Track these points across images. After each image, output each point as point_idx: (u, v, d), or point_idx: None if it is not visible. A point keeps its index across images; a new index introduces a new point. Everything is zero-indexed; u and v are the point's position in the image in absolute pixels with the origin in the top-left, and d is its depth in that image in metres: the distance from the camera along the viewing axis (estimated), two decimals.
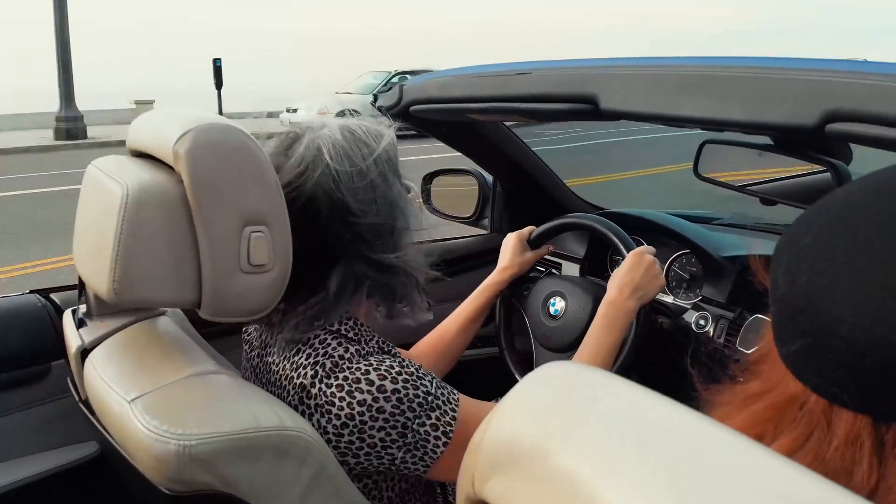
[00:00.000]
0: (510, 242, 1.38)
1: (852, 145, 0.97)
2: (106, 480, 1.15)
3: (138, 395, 0.77)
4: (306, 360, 0.86)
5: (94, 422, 0.87)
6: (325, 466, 0.80)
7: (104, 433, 0.84)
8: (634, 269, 1.16)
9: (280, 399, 0.85)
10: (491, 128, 1.52)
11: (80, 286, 1.00)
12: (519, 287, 1.44)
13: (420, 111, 1.30)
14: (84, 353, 0.90)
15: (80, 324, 0.98)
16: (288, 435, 0.77)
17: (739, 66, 0.84)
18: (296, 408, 0.83)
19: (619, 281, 1.16)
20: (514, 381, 1.14)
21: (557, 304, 1.36)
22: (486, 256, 1.78)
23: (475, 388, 1.01)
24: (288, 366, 0.87)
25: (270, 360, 0.91)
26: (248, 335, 1.02)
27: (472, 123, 1.48)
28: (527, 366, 1.42)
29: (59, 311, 1.16)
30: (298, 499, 0.79)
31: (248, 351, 1.00)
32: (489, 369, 1.53)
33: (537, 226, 1.42)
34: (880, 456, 0.40)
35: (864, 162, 0.87)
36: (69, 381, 1.01)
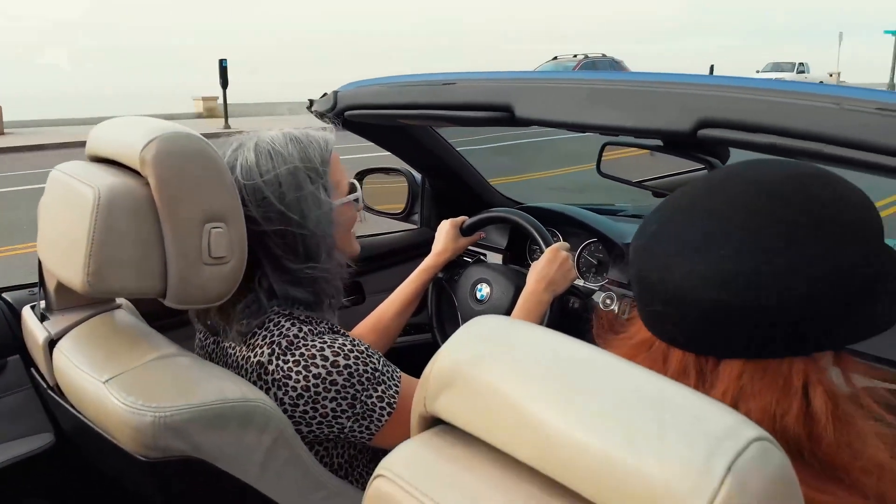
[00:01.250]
0: (444, 229, 1.50)
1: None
2: (62, 469, 1.21)
3: (111, 376, 0.86)
4: (262, 340, 0.96)
5: (65, 404, 0.94)
6: (283, 433, 0.91)
7: (76, 414, 0.92)
8: (551, 264, 1.32)
9: (237, 373, 0.95)
10: (419, 131, 1.65)
11: (41, 283, 1.06)
12: (450, 272, 1.58)
13: (354, 116, 1.42)
14: (51, 343, 0.98)
15: (41, 318, 1.05)
16: (250, 405, 0.88)
17: (630, 81, 1.00)
18: (254, 383, 0.94)
19: (537, 274, 1.31)
20: None
21: (484, 290, 1.51)
22: (417, 249, 1.91)
23: (410, 371, 1.13)
24: (245, 348, 0.98)
25: (226, 345, 1.01)
26: (200, 324, 1.11)
27: (402, 127, 1.60)
28: None
29: (11, 309, 1.21)
30: (260, 462, 0.90)
31: (203, 339, 1.09)
32: (422, 354, 1.66)
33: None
34: (702, 378, 0.54)
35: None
36: (34, 371, 1.07)
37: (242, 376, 0.96)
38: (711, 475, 0.33)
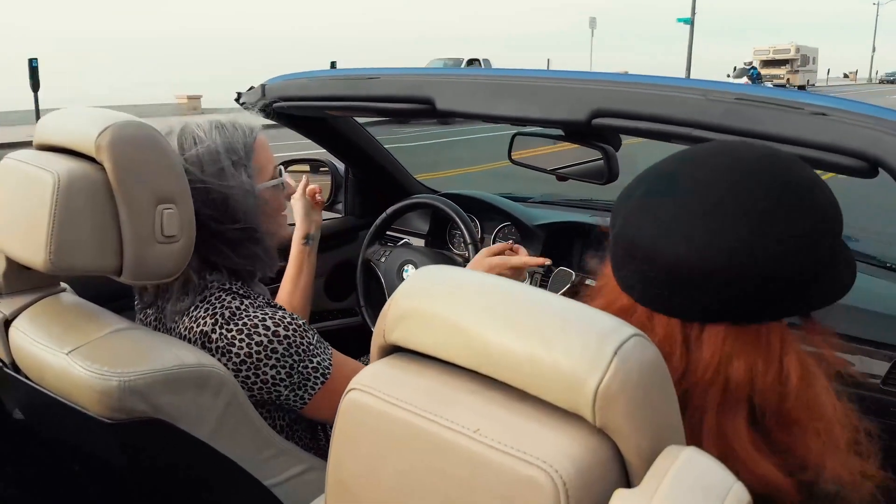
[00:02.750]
0: (296, 207, 1.48)
1: (622, 136, 1.32)
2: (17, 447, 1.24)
3: (73, 348, 0.93)
4: (205, 312, 1.04)
5: (25, 380, 0.99)
6: (235, 396, 1.00)
7: (37, 388, 0.98)
8: (475, 266, 1.42)
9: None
10: (343, 123, 1.75)
11: None
12: (377, 254, 1.70)
13: (282, 107, 1.50)
14: (6, 323, 1.02)
15: None
16: (206, 370, 0.96)
17: (536, 77, 1.15)
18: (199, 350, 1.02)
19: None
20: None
21: (410, 270, 1.63)
22: (341, 237, 2.01)
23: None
24: (187, 320, 1.06)
25: (168, 320, 1.09)
26: (141, 304, 1.17)
27: (327, 119, 1.70)
28: None
29: None
30: (215, 422, 0.98)
31: (143, 319, 1.16)
32: (351, 337, 1.76)
33: (386, 208, 1.68)
34: (687, 346, 0.57)
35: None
36: None
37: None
38: (602, 357, 0.47)
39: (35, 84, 12.08)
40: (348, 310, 2.01)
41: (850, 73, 67.94)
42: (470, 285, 0.58)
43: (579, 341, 0.48)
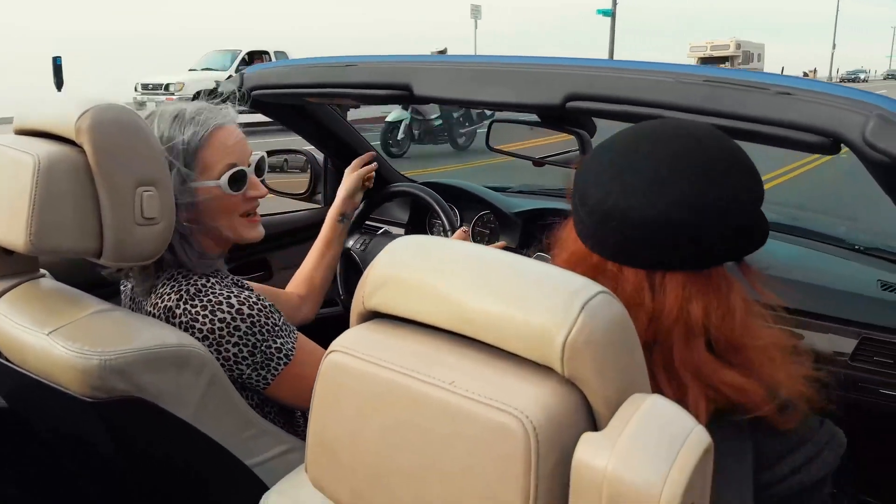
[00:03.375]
0: (347, 180, 1.57)
1: (596, 122, 1.35)
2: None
3: (54, 328, 0.94)
4: (170, 289, 1.05)
5: (6, 362, 1.00)
6: (216, 376, 1.01)
7: (18, 369, 0.98)
8: None
9: None
10: (322, 112, 1.76)
11: None
12: (358, 244, 1.71)
13: (261, 95, 1.51)
14: None
15: None
16: (186, 350, 0.97)
17: (510, 63, 1.17)
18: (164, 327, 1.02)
19: None
20: None
21: None
22: (321, 227, 2.02)
23: (320, 343, 1.21)
24: (154, 297, 1.07)
25: (141, 301, 1.10)
26: (124, 287, 1.18)
27: (305, 107, 1.71)
28: None
29: None
30: (197, 402, 0.99)
31: (124, 300, 1.17)
32: (332, 327, 1.77)
33: (368, 197, 1.69)
34: (653, 291, 0.67)
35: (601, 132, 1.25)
36: None
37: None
38: (571, 312, 0.49)
39: (59, 82, 12.15)
40: (329, 300, 2.02)
41: (810, 71, 63.01)
42: (446, 251, 0.60)
43: (550, 300, 0.51)
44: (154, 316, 1.05)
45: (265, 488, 0.73)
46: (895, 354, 1.23)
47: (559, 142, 1.31)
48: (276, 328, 1.06)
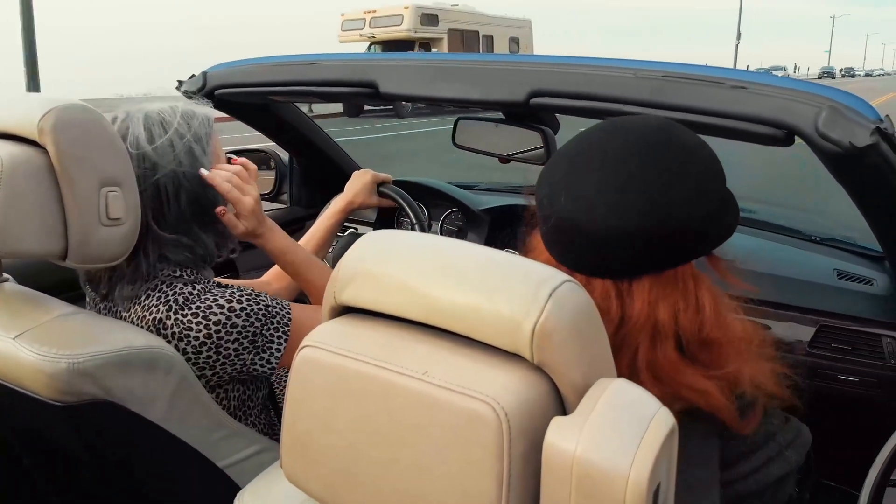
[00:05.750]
0: (364, 179, 1.61)
1: (560, 119, 1.37)
2: None
3: (20, 332, 0.92)
4: (157, 301, 1.05)
5: None
6: (185, 377, 1.01)
7: None
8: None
9: None
10: (286, 110, 1.75)
11: None
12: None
13: (225, 94, 1.50)
14: None
15: None
16: (155, 351, 0.97)
17: (475, 60, 1.19)
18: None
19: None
20: None
21: None
22: (288, 227, 2.00)
23: None
24: (139, 309, 1.05)
25: (119, 309, 1.08)
26: (90, 290, 1.17)
27: (269, 106, 1.70)
28: None
29: None
30: (166, 404, 0.99)
31: (92, 304, 1.15)
32: None
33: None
34: (621, 299, 0.66)
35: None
36: None
37: None
38: (538, 300, 0.50)
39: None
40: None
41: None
42: (415, 245, 0.61)
43: (518, 289, 0.52)
44: (141, 328, 1.04)
45: (237, 489, 0.73)
46: (852, 341, 1.28)
47: (524, 133, 1.33)
48: (269, 308, 1.08)
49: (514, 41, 21.30)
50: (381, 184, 1.65)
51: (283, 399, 1.37)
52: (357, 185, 1.62)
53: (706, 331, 0.66)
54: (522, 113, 1.24)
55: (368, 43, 18.79)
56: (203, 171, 1.09)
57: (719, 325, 0.67)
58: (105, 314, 1.11)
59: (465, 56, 1.23)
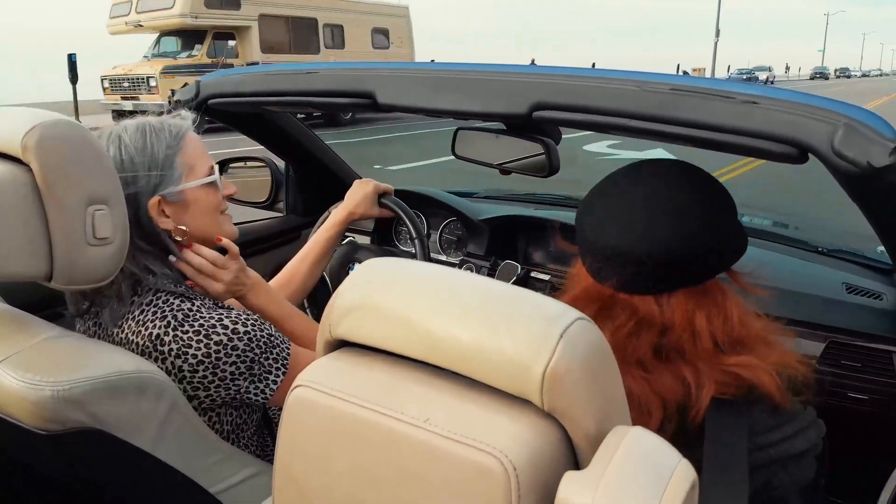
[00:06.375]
0: (366, 190, 1.58)
1: (562, 129, 1.33)
2: None
3: (3, 357, 0.88)
4: (153, 316, 1.01)
5: None
6: (176, 402, 0.97)
7: None
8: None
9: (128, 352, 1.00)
10: (281, 118, 1.72)
11: None
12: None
13: (218, 104, 1.46)
14: None
15: None
16: (146, 376, 0.93)
17: (477, 70, 1.15)
18: (150, 355, 0.99)
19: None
20: None
21: (357, 269, 1.62)
22: (284, 236, 1.97)
23: None
24: (133, 324, 1.02)
25: (110, 327, 1.05)
26: (76, 312, 1.13)
27: (264, 115, 1.67)
28: None
29: None
30: (156, 430, 0.95)
31: (81, 322, 1.12)
32: None
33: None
34: (662, 309, 0.79)
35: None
36: None
37: (133, 350, 1.00)
38: (548, 341, 0.47)
39: (74, 77, 12.24)
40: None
41: (697, 69, 51.23)
42: (415, 276, 0.58)
43: (525, 327, 0.49)
44: (137, 345, 1.00)
45: None
46: (862, 357, 1.24)
47: (525, 143, 1.29)
48: (272, 338, 1.05)
49: (381, 33, 16.76)
50: (382, 194, 1.61)
51: (277, 420, 1.34)
52: (358, 195, 1.58)
53: (735, 332, 0.79)
54: (524, 125, 1.20)
55: (157, 35, 14.40)
56: (171, 258, 1.08)
57: (745, 326, 0.80)
58: (95, 330, 1.08)
59: (467, 66, 1.20)
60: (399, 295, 0.55)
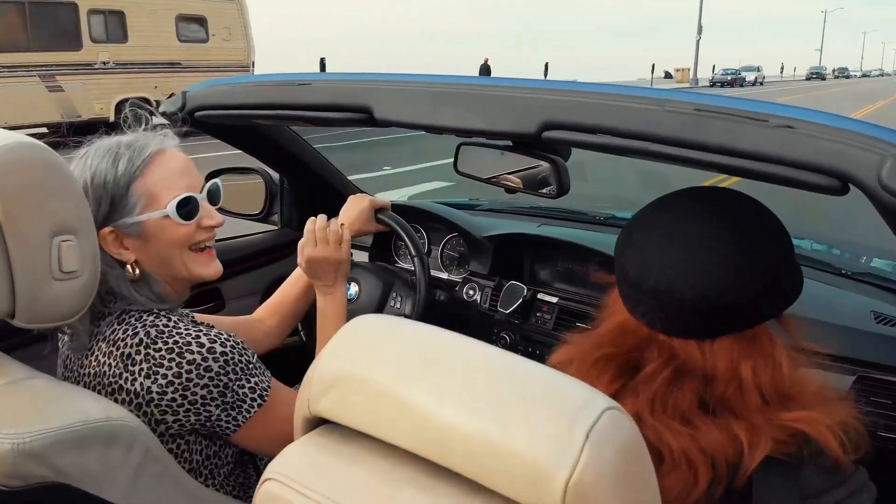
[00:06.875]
0: (362, 205, 1.46)
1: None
2: None
3: None
4: (123, 334, 0.94)
5: None
6: (150, 449, 0.89)
7: None
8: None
9: (100, 376, 0.93)
10: (275, 130, 1.63)
11: None
12: None
13: (205, 116, 1.38)
14: None
15: None
16: (115, 425, 0.85)
17: (481, 84, 1.06)
18: (119, 376, 0.92)
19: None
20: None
21: (352, 289, 1.53)
22: (279, 251, 1.89)
23: (277, 374, 1.11)
24: (104, 345, 0.95)
25: (84, 352, 0.97)
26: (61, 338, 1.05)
27: (256, 126, 1.58)
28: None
29: None
30: (129, 481, 0.87)
31: (62, 348, 1.04)
32: (290, 357, 1.65)
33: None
34: (704, 355, 0.72)
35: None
36: None
37: (104, 375, 0.93)
38: (573, 443, 0.39)
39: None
40: (294, 334, 1.89)
41: (680, 69, 46.31)
42: (411, 343, 0.49)
43: (544, 421, 0.40)
44: (108, 366, 0.93)
45: None
46: (894, 394, 1.16)
47: (532, 162, 1.21)
48: (251, 366, 0.97)
49: (195, 21, 12.56)
50: (379, 210, 1.51)
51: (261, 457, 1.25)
52: (353, 211, 1.48)
53: (784, 388, 0.72)
54: (532, 143, 1.12)
55: None
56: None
57: (795, 381, 0.73)
58: (68, 354, 1.00)
59: (471, 79, 1.11)
60: (391, 369, 0.47)
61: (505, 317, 1.52)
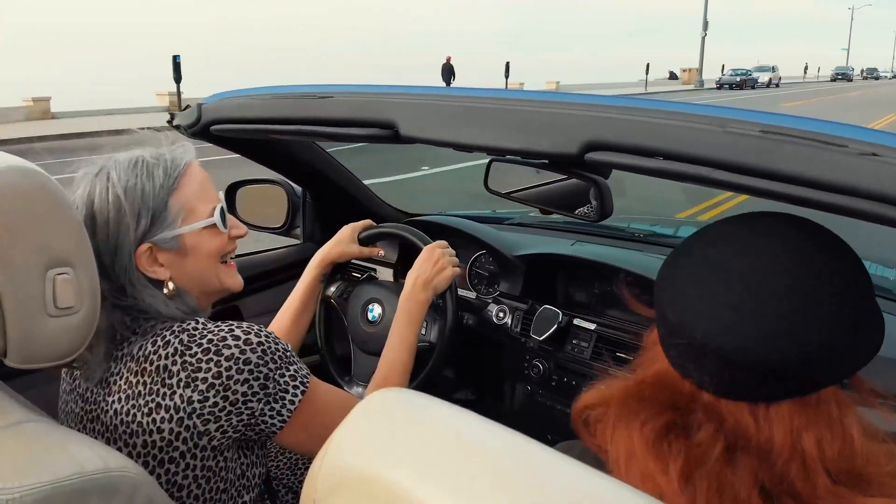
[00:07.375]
0: (342, 234, 1.46)
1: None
2: None
3: None
4: (153, 346, 0.90)
5: None
6: (153, 500, 0.81)
7: None
8: (425, 264, 1.32)
9: (134, 397, 0.89)
10: (296, 144, 1.56)
11: None
12: (340, 291, 1.51)
13: (221, 131, 1.30)
14: None
15: None
16: (114, 476, 0.77)
17: (518, 99, 0.97)
18: (157, 392, 0.88)
19: (413, 274, 1.31)
20: (335, 384, 1.22)
21: (375, 311, 1.45)
22: (300, 267, 1.81)
23: None
24: (133, 364, 0.90)
25: (107, 378, 0.92)
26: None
27: (275, 140, 1.51)
28: (346, 369, 1.49)
29: None
30: None
31: (72, 383, 0.99)
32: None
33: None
34: (758, 424, 0.60)
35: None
36: None
37: (139, 392, 0.89)
38: None
39: (178, 77, 14.06)
40: (310, 346, 1.82)
41: (687, 69, 44.23)
42: (441, 433, 0.40)
43: None
44: (143, 384, 0.89)
45: None
46: None
47: (572, 182, 1.12)
48: (288, 353, 0.94)
49: None
50: (361, 231, 1.48)
51: (278, 482, 1.18)
52: (337, 236, 1.47)
53: (858, 465, 0.60)
54: (573, 165, 1.02)
55: None
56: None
57: (871, 458, 0.60)
58: (85, 399, 0.94)
59: (503, 93, 1.02)
60: (409, 467, 0.38)
61: (538, 343, 1.43)
